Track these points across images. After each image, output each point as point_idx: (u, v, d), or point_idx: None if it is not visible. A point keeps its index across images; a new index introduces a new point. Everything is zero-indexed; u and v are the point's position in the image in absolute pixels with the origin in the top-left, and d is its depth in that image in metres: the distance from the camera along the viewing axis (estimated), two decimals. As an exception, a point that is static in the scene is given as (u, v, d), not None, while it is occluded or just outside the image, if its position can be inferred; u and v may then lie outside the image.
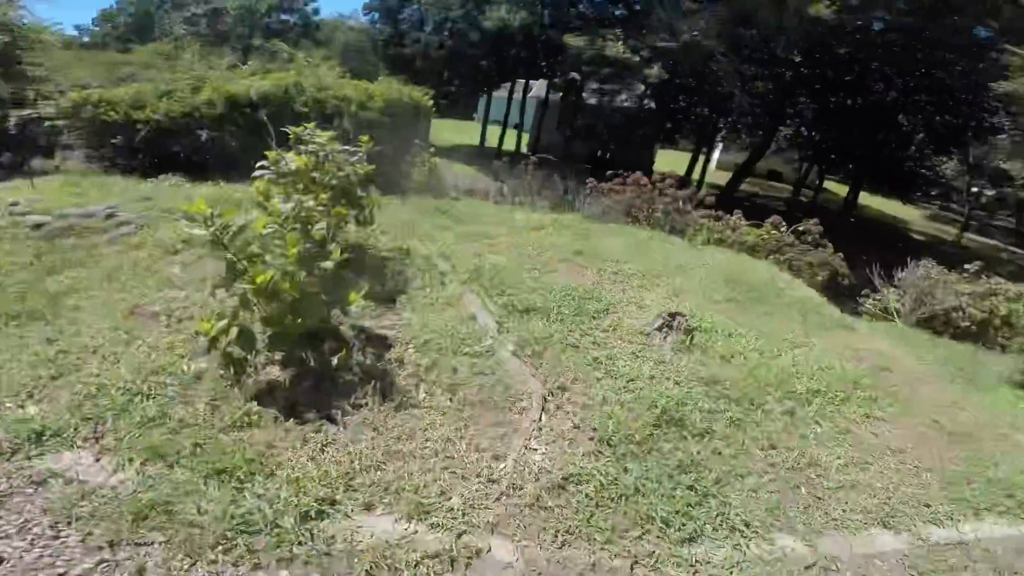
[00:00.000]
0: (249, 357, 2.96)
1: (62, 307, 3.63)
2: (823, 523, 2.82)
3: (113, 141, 7.15)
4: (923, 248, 16.99)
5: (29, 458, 2.41)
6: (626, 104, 28.51)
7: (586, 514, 2.58)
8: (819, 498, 3.00)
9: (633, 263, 6.12)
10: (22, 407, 2.71)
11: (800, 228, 9.77)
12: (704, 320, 4.71)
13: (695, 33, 20.70)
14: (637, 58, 22.45)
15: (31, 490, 2.26)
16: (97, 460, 2.44)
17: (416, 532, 2.33)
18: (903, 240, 27.17)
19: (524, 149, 30.90)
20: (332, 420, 2.85)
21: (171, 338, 3.36)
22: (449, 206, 7.04)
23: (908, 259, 11.03)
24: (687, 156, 30.55)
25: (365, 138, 4.47)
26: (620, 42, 22.26)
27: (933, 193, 40.28)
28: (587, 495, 2.68)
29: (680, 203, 9.81)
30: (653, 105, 28.69)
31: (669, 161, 29.10)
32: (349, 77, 8.28)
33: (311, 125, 4.20)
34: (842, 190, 32.77)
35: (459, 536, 2.34)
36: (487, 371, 3.46)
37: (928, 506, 3.11)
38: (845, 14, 18.85)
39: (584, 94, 28.96)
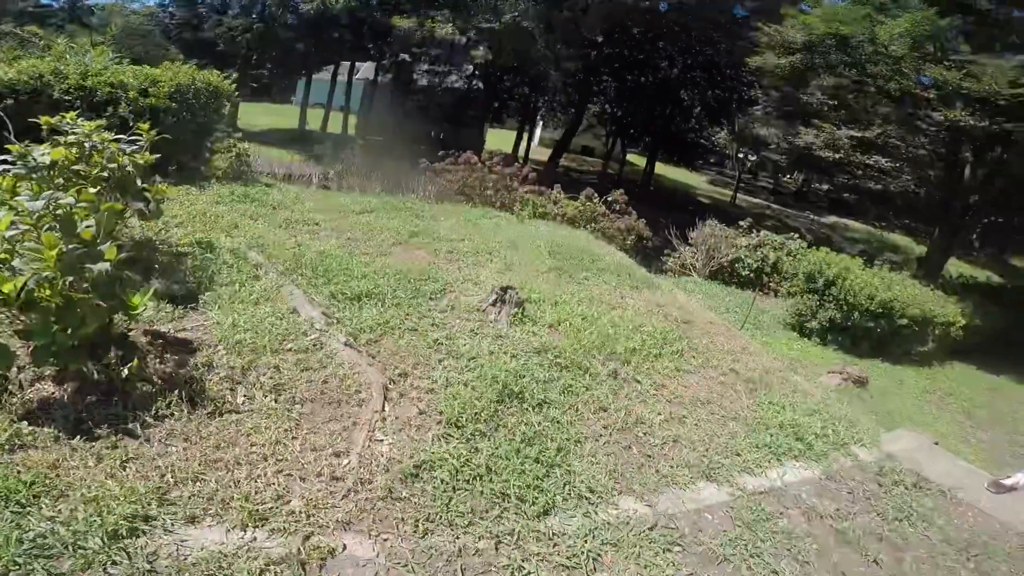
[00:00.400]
0: (9, 375, 2.55)
1: None
2: (656, 481, 3.11)
3: None
4: (708, 209, 19.76)
5: None
6: (457, 85, 28.66)
7: (444, 499, 2.56)
8: (649, 456, 3.31)
9: (467, 241, 6.22)
10: None
11: (609, 199, 10.79)
12: (533, 291, 4.96)
13: (516, 15, 21.36)
14: (465, 39, 22.55)
15: None
16: None
17: (255, 540, 2.14)
18: (692, 203, 31.55)
19: (352, 132, 29.44)
20: (131, 434, 2.48)
21: None
22: (262, 193, 6.41)
23: (697, 220, 12.89)
24: (513, 134, 31.82)
25: (145, 126, 4.08)
26: (449, 23, 22.14)
27: (711, 160, 47.28)
28: (442, 480, 2.66)
29: (508, 180, 10.19)
30: (481, 85, 29.21)
31: (498, 140, 30.04)
32: (128, 63, 7.14)
33: (72, 114, 3.79)
34: (642, 162, 36.78)
35: (306, 538, 2.20)
36: (316, 366, 3.24)
37: (739, 455, 3.55)
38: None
39: (415, 75, 28.37)
